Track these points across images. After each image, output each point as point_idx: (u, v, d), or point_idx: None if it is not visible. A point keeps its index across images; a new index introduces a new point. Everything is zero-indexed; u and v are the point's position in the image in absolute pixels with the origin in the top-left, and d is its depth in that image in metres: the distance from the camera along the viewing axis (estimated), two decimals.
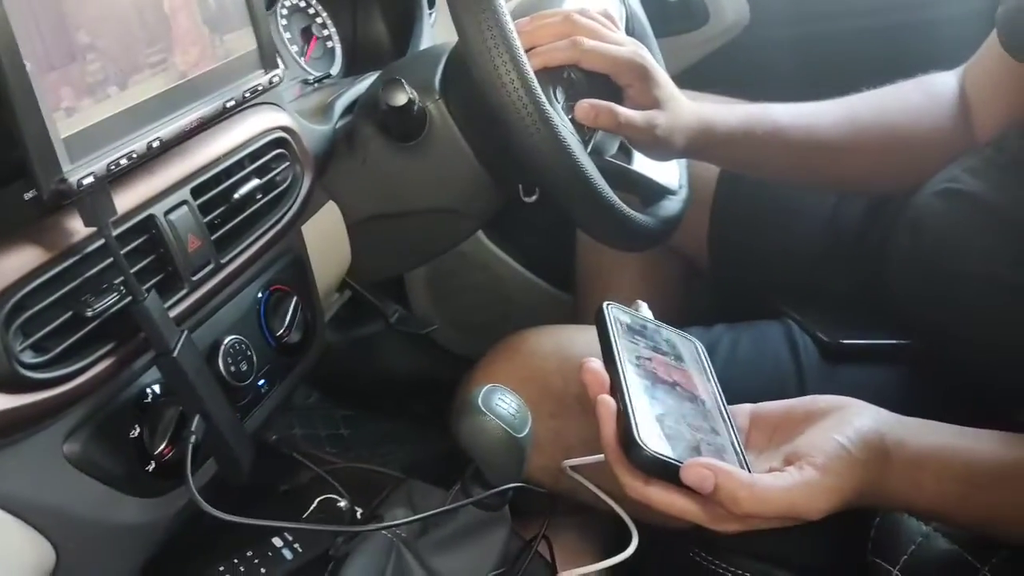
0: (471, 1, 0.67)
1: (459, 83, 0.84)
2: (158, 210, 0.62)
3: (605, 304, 0.65)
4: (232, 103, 0.64)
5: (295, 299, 0.78)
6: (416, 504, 0.77)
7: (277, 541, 0.77)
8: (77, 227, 0.56)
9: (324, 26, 1.07)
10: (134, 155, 0.54)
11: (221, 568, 0.74)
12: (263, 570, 0.74)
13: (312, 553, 0.75)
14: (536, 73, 0.71)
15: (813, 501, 0.55)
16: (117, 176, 0.55)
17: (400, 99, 0.76)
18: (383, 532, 0.71)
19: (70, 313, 0.55)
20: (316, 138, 0.83)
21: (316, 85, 1.01)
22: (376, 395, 1.41)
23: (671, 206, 0.88)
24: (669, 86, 0.81)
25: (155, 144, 0.56)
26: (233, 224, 0.69)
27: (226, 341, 0.68)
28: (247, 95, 0.66)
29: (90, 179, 0.51)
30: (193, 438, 0.59)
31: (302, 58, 1.03)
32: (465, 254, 1.34)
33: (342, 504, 0.84)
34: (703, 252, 1.09)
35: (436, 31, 1.12)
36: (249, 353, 0.70)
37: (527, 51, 0.72)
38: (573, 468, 0.71)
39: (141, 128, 0.56)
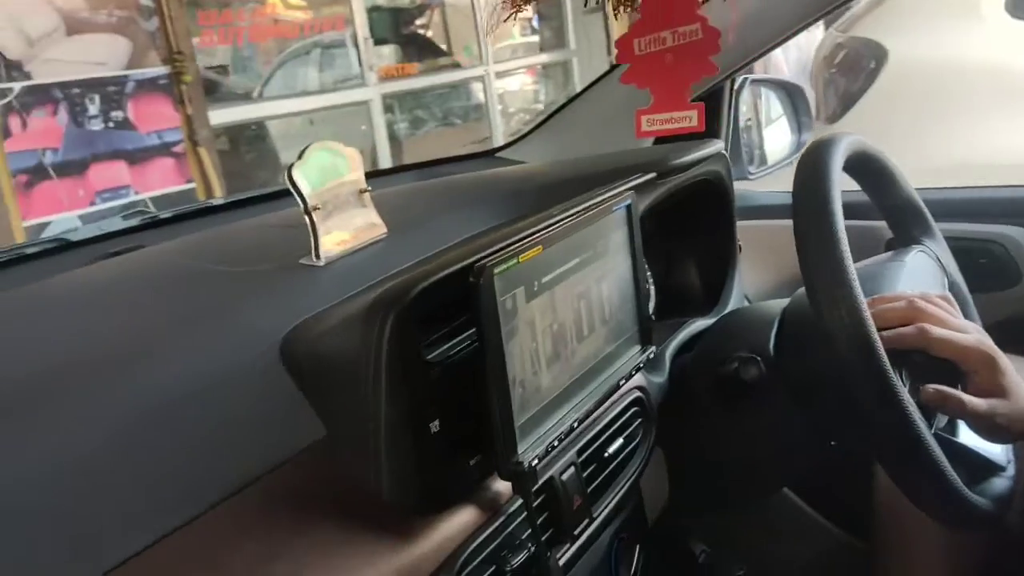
0: (834, 298, 0.73)
1: (793, 349, 0.90)
2: (556, 471, 0.71)
3: None
4: (623, 381, 0.73)
5: (638, 547, 0.84)
6: None
7: None
8: (500, 489, 0.66)
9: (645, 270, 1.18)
10: (562, 437, 0.64)
11: None
12: None
13: None
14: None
15: None
16: None
17: (753, 373, 0.83)
18: None
19: (494, 567, 0.63)
20: (656, 391, 0.91)
21: None
22: None
23: (1001, 484, 0.87)
24: (1012, 374, 0.82)
25: (575, 425, 0.66)
26: (601, 480, 0.78)
27: None
28: (632, 372, 0.75)
29: (535, 461, 0.61)
30: None
31: None
32: None
33: None
34: None
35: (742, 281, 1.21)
36: None
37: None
38: None
39: (559, 412, 0.66)
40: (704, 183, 1.08)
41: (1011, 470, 0.90)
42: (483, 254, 0.62)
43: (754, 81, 1.46)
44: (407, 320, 0.58)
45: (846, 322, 0.74)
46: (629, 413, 0.84)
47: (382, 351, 0.58)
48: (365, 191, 0.81)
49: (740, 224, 1.20)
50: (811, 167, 0.83)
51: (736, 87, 1.34)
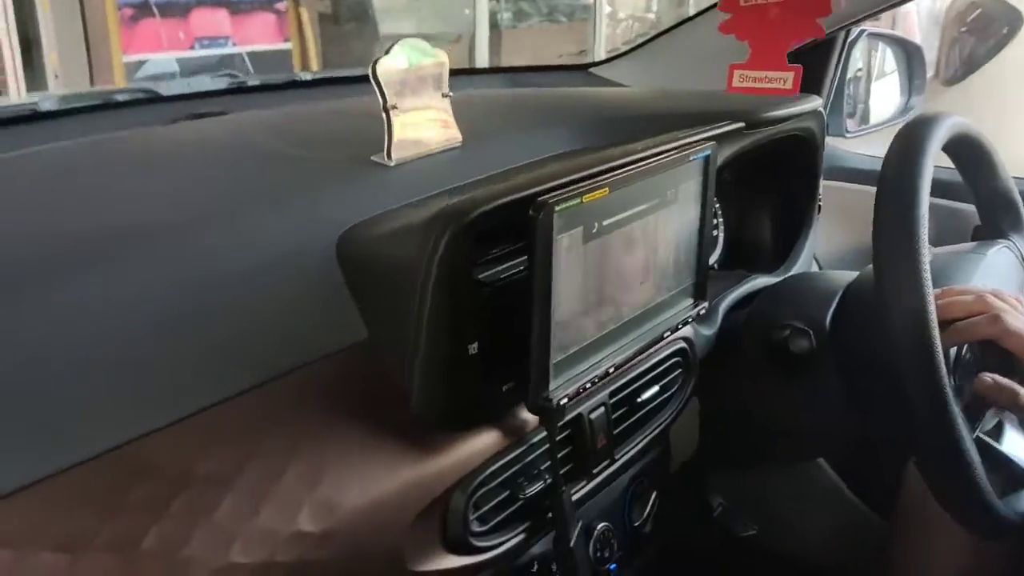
0: (904, 288, 0.71)
1: (850, 328, 0.88)
2: (585, 410, 0.71)
3: None
4: (668, 332, 0.73)
5: (655, 493, 0.85)
6: None
7: None
8: (527, 418, 0.67)
9: (714, 215, 1.16)
10: (596, 380, 0.64)
11: None
12: None
13: None
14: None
15: None
16: None
17: (804, 346, 0.82)
18: None
19: (508, 493, 0.65)
20: (702, 343, 0.91)
21: None
22: None
23: None
24: None
25: (611, 371, 0.66)
26: (630, 423, 0.79)
27: (599, 527, 0.77)
28: (679, 325, 0.75)
29: (564, 400, 0.61)
30: None
31: None
32: None
33: None
34: None
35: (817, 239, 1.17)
36: (613, 540, 0.78)
37: (941, 322, 0.76)
38: None
39: (597, 356, 0.66)
40: (794, 138, 1.04)
41: None
42: (548, 186, 0.61)
43: (871, 35, 1.38)
44: (463, 238, 0.58)
45: (907, 311, 0.72)
46: (670, 363, 0.84)
47: (433, 265, 0.58)
48: (447, 96, 0.80)
49: (824, 183, 1.16)
50: (906, 144, 0.79)
51: (850, 39, 1.27)
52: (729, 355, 0.94)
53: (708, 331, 0.93)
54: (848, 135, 1.43)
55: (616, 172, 0.64)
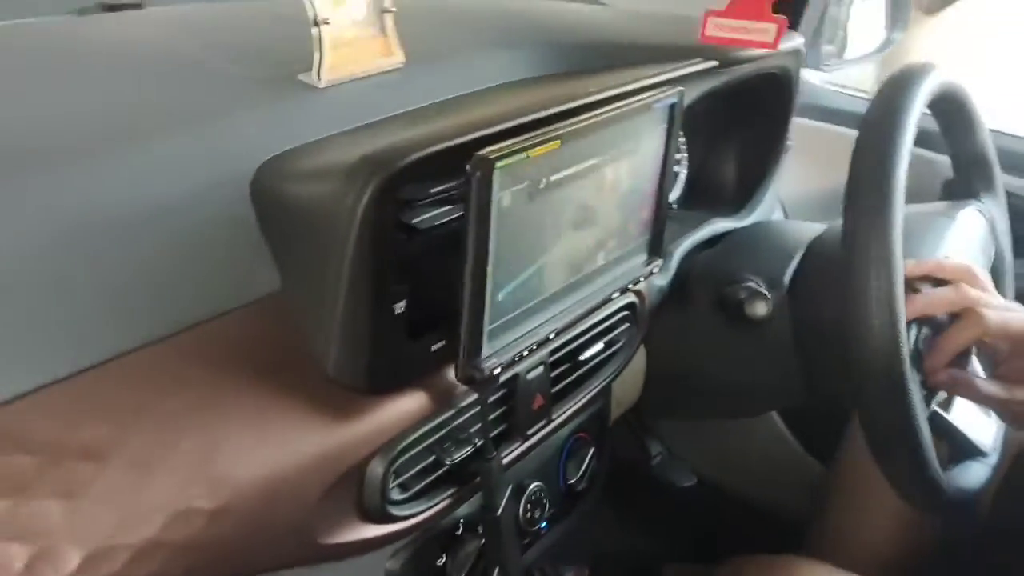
0: (875, 263, 0.66)
1: (810, 289, 0.84)
2: (522, 370, 0.66)
3: None
4: (616, 294, 0.67)
5: (592, 449, 0.81)
6: None
7: None
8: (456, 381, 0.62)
9: (677, 149, 1.09)
10: (535, 347, 0.59)
11: None
12: None
13: None
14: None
15: None
16: None
17: (761, 311, 0.77)
18: None
19: (433, 458, 0.60)
20: (654, 294, 0.86)
21: None
22: None
23: (977, 472, 0.83)
24: None
25: (551, 336, 0.61)
26: (569, 382, 0.74)
27: (531, 487, 0.73)
28: (628, 286, 0.69)
29: (498, 369, 0.56)
30: None
31: None
32: None
33: None
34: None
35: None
36: (545, 501, 0.75)
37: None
38: None
39: (538, 319, 0.61)
40: (768, 75, 0.97)
41: (994, 458, 0.86)
42: (489, 131, 0.54)
43: None
44: (390, 189, 0.52)
45: (875, 316, 0.67)
46: (617, 318, 0.79)
47: (356, 218, 0.51)
48: (389, 12, 0.72)
49: (796, 121, 1.10)
50: (890, 100, 0.73)
51: None
52: (680, 304, 0.90)
53: (662, 281, 0.88)
54: (824, 68, 1.36)
55: (572, 120, 0.57)
